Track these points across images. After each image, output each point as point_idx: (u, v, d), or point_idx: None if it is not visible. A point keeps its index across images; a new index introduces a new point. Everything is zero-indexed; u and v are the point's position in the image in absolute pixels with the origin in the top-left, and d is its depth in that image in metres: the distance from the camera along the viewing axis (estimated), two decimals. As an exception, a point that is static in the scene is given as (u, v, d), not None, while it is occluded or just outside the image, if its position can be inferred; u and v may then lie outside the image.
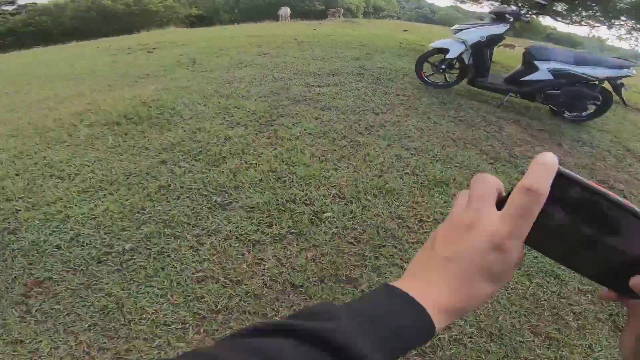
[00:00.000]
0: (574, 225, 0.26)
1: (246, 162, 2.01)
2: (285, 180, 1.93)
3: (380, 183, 2.04)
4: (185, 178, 1.85)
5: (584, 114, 3.52)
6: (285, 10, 17.94)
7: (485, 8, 6.98)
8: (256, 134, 2.30)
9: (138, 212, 1.62)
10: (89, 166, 1.93)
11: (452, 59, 3.52)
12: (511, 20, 3.32)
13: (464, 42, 3.40)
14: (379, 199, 1.96)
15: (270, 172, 1.96)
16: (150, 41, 8.33)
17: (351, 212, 1.87)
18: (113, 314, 1.26)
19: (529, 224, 0.25)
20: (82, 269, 1.36)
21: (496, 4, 3.65)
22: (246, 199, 1.76)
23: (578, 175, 0.25)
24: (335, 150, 2.22)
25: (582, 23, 6.01)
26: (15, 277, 1.32)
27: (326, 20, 17.32)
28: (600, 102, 3.38)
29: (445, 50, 3.51)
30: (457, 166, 2.35)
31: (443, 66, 3.64)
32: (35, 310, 1.22)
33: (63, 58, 6.31)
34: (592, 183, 0.25)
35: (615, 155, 3.07)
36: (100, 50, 6.83)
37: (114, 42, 10.90)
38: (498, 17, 3.45)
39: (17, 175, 1.93)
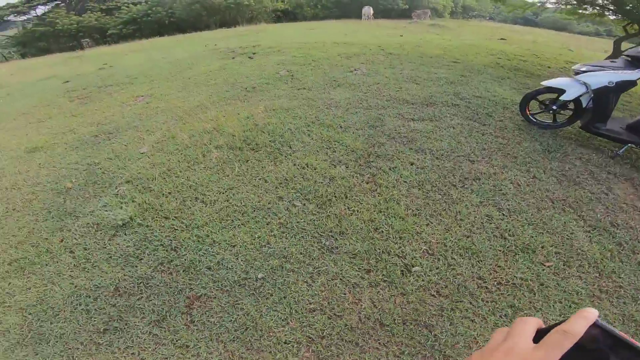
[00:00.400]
0: None
1: (349, 208, 2.27)
2: (382, 232, 2.14)
3: (468, 244, 2.12)
4: (299, 218, 2.18)
5: None
6: (369, 10, 17.78)
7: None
8: (356, 177, 2.54)
9: (265, 245, 2.00)
10: (224, 193, 2.40)
11: (568, 101, 3.25)
12: None
13: (585, 84, 3.10)
14: (464, 258, 2.06)
15: (370, 221, 2.19)
16: (248, 42, 9.15)
17: (437, 268, 2.01)
18: (250, 330, 1.64)
19: (557, 356, 0.29)
20: (227, 289, 1.77)
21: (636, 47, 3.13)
22: (349, 245, 2.02)
23: (612, 328, 0.30)
24: (428, 204, 2.35)
25: None
26: (180, 290, 1.79)
27: (411, 23, 16.69)
28: None
29: (559, 90, 3.26)
30: (549, 232, 2.30)
31: (555, 107, 3.40)
32: (197, 321, 1.66)
33: (180, 60, 7.30)
34: (622, 334, 0.30)
35: None
36: (210, 53, 7.73)
37: (218, 37, 12.21)
38: (635, 62, 3.04)
39: (169, 194, 2.48)
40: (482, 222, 2.29)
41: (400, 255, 2.04)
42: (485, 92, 4.37)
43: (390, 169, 2.63)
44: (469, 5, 32.50)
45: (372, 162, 2.71)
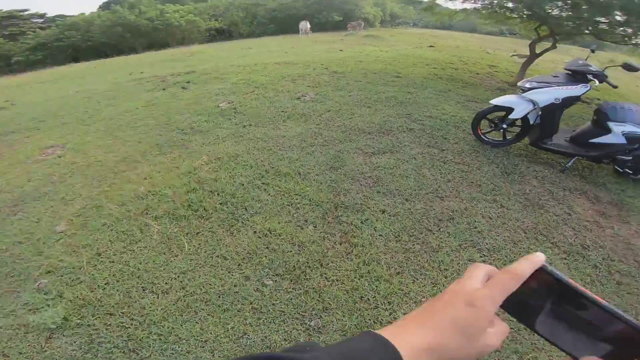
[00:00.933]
0: (552, 309, 0.33)
1: (327, 279, 1.96)
2: (369, 300, 1.88)
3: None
4: (275, 299, 1.82)
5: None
6: (306, 25, 17.88)
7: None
8: (328, 238, 2.24)
9: (241, 337, 1.63)
10: (177, 279, 1.94)
11: (516, 119, 3.30)
12: (596, 83, 3.05)
13: (532, 102, 3.17)
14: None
15: (353, 290, 1.91)
16: (181, 67, 8.44)
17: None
18: None
19: (502, 295, 0.31)
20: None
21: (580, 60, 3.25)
22: (337, 322, 1.72)
23: (558, 272, 0.33)
24: (410, 258, 2.14)
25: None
26: None
27: (347, 35, 17.12)
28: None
29: (508, 108, 3.31)
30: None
31: (504, 125, 3.47)
32: None
33: (100, 94, 6.43)
34: (568, 279, 0.32)
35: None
36: (136, 83, 6.94)
37: (145, 61, 11.14)
38: (577, 75, 3.15)
39: (107, 284, 1.95)
40: (466, 267, 2.14)
41: (392, 321, 1.79)
42: (434, 111, 4.40)
43: (362, 222, 2.38)
44: (396, 13, 34.60)
45: (341, 216, 2.43)
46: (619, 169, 3.37)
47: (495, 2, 5.84)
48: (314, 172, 2.91)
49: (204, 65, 8.51)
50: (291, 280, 1.97)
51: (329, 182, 2.79)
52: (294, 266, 2.04)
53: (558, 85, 3.07)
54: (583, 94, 3.06)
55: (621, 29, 5.32)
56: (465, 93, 5.45)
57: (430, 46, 11.74)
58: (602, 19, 5.13)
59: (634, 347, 0.31)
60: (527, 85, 3.20)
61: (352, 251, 2.16)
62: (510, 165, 3.28)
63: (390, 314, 1.85)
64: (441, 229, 2.40)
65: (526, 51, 6.84)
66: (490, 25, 8.65)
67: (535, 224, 2.59)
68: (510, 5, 5.64)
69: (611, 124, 3.07)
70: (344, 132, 3.67)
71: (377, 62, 7.43)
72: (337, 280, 1.98)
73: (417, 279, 2.04)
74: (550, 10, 5.21)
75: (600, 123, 3.15)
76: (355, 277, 1.99)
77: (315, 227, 2.32)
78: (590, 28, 5.52)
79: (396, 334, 0.30)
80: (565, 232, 2.57)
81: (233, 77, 6.37)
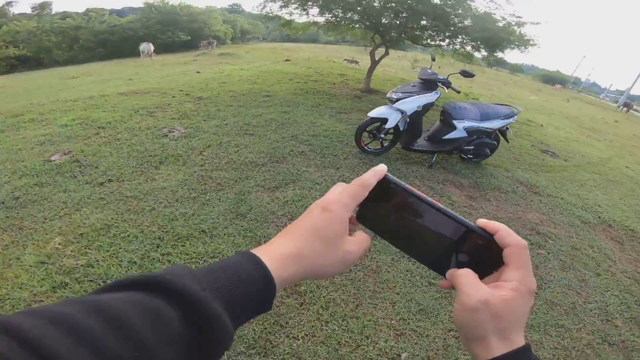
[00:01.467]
0: (400, 216, 0.36)
1: (296, 338, 1.70)
2: (347, 341, 1.77)
3: (411, 325, 1.98)
4: None
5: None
6: (149, 46, 15.79)
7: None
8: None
9: None
10: None
11: (390, 128, 3.68)
12: (445, 89, 3.65)
13: (401, 111, 3.58)
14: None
15: (329, 338, 1.76)
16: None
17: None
18: None
19: (352, 200, 0.35)
20: None
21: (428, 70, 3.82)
22: None
23: (399, 181, 0.36)
24: (360, 287, 2.07)
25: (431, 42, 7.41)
26: None
27: (200, 54, 16.10)
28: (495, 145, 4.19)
29: (383, 119, 3.65)
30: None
31: (382, 135, 3.82)
32: None
33: None
34: (408, 186, 0.36)
35: (516, 191, 3.87)
36: None
37: None
38: (428, 83, 3.67)
39: None
40: (404, 277, 2.19)
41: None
42: (315, 128, 4.51)
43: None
44: (246, 30, 34.98)
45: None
46: (463, 156, 4.22)
47: (341, 15, 6.49)
48: (220, 225, 2.46)
49: (10, 103, 6.36)
50: (260, 354, 1.59)
51: (243, 232, 2.41)
52: (254, 338, 1.65)
53: (418, 94, 3.59)
54: (436, 99, 3.68)
55: (428, 32, 6.75)
56: (332, 105, 5.85)
57: (287, 60, 12.25)
58: (415, 25, 6.37)
59: (488, 257, 0.34)
60: (394, 96, 3.62)
61: (304, 300, 1.93)
62: (393, 170, 3.64)
63: (374, 346, 1.74)
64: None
65: (357, 56, 7.93)
66: (331, 36, 9.62)
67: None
68: (356, 17, 6.36)
69: (455, 122, 3.80)
70: (236, 170, 3.30)
71: (242, 82, 7.19)
72: (307, 335, 1.73)
73: (377, 304, 2.00)
74: (383, 20, 6.12)
75: (447, 122, 3.86)
76: (322, 325, 1.79)
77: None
78: (404, 34, 6.81)
79: (264, 249, 0.32)
80: (454, 221, 3.00)
81: (61, 116, 4.92)
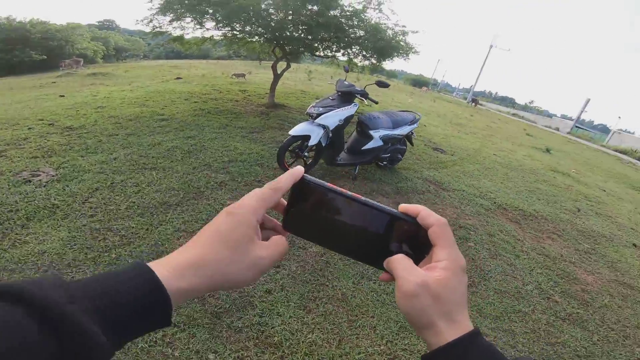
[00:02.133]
0: (325, 216, 0.36)
1: None
2: None
3: (399, 346, 1.86)
4: None
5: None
6: None
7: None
8: (250, 358, 1.49)
9: None
10: None
11: (313, 145, 3.55)
12: (364, 101, 3.68)
13: (324, 127, 3.48)
14: None
15: None
16: None
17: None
18: None
19: (261, 204, 0.34)
20: None
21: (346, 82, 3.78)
22: None
23: (317, 180, 0.36)
24: (331, 320, 1.80)
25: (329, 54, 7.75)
26: None
27: (62, 75, 13.21)
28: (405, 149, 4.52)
29: (305, 137, 3.50)
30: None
31: (305, 153, 3.66)
32: None
33: None
34: (328, 184, 0.36)
35: (430, 190, 4.25)
36: None
37: None
38: (346, 96, 3.64)
39: None
40: (366, 297, 2.06)
41: None
42: (230, 153, 4.08)
43: (260, 317, 1.79)
44: (122, 46, 30.59)
45: (233, 324, 1.72)
46: (380, 164, 4.42)
47: (240, 28, 6.14)
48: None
49: None
50: None
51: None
52: None
53: (338, 108, 3.55)
54: (355, 111, 3.72)
55: (326, 43, 6.98)
56: (241, 125, 5.47)
57: (178, 78, 11.11)
58: (317, 37, 6.49)
59: (417, 241, 0.34)
60: (315, 111, 3.50)
61: (283, 352, 1.70)
62: None
63: None
64: (326, 273, 2.21)
65: (254, 70, 7.71)
66: (224, 51, 9.15)
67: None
68: (260, 30, 6.09)
69: (371, 132, 3.92)
70: (143, 215, 2.66)
71: (126, 106, 6.11)
72: None
73: (359, 334, 1.90)
74: (285, 33, 6.03)
75: (364, 133, 3.96)
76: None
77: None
78: (304, 47, 6.92)
79: (161, 260, 0.29)
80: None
81: None
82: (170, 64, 20.32)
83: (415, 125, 4.34)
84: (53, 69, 18.11)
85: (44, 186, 3.03)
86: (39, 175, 3.27)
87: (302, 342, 1.78)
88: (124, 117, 5.28)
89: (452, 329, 0.30)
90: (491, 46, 33.85)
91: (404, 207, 0.35)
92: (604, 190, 6.98)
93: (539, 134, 18.36)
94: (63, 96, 7.30)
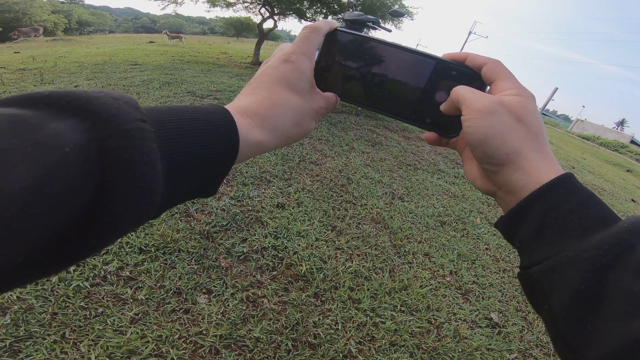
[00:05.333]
0: (360, 69, 0.30)
1: None
2: None
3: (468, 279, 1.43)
4: None
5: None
6: None
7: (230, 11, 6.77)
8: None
9: None
10: None
11: None
12: (376, 28, 3.18)
13: None
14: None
15: None
16: None
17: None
18: None
19: (309, 47, 0.28)
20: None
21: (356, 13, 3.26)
22: None
23: (351, 30, 0.31)
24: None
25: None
26: None
27: (19, 41, 11.61)
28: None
29: None
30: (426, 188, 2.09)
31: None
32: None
33: None
34: (364, 34, 0.31)
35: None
36: None
37: None
38: (356, 24, 3.16)
39: None
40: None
41: None
42: (218, 85, 3.48)
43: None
44: (86, 20, 27.90)
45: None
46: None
47: None
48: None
49: None
50: None
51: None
52: None
53: None
54: None
55: (315, 7, 6.39)
56: (227, 71, 4.82)
57: (151, 42, 10.07)
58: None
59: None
60: None
61: (315, 288, 1.14)
62: (336, 121, 3.05)
63: (447, 313, 1.04)
64: (350, 189, 1.73)
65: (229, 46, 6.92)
66: (193, 27, 8.33)
67: (395, 157, 2.48)
68: None
69: None
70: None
71: (92, 56, 5.24)
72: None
73: (412, 264, 1.45)
74: None
75: None
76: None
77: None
78: (291, 9, 6.34)
79: (230, 105, 0.25)
80: (409, 157, 2.63)
81: None
82: (141, 36, 18.77)
83: None
84: (6, 40, 16.18)
85: None
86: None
87: (341, 272, 1.30)
88: (89, 63, 4.48)
89: (545, 164, 0.23)
90: (470, 32, 33.88)
91: (448, 54, 0.29)
92: (584, 159, 7.04)
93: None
94: (18, 52, 6.24)
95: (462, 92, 0.25)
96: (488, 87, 0.27)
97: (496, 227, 0.25)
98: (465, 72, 0.28)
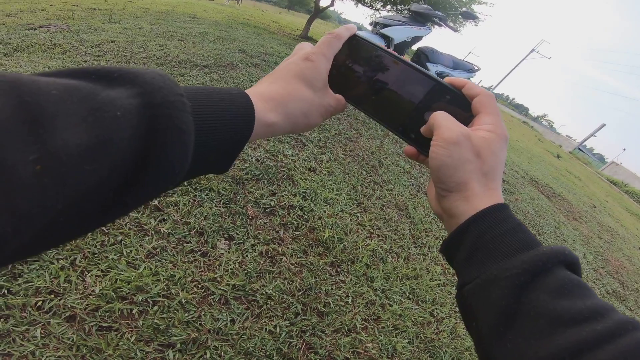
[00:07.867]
0: (368, 76, 0.31)
1: None
2: None
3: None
4: None
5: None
6: None
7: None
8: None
9: None
10: None
11: None
12: (442, 25, 2.98)
13: (389, 38, 2.82)
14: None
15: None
16: None
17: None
18: None
19: (329, 50, 0.30)
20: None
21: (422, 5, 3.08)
22: None
23: (368, 38, 0.32)
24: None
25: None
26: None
27: None
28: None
29: None
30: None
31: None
32: None
33: None
34: (378, 43, 0.31)
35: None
36: None
37: None
38: (421, 17, 2.98)
39: None
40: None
41: None
42: (265, 48, 3.40)
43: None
44: None
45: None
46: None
47: None
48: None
49: None
50: None
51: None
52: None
53: (409, 25, 2.89)
54: (425, 35, 3.04)
55: None
56: (276, 38, 4.70)
57: (209, -1, 9.99)
58: None
59: (455, 115, 0.28)
60: (382, 21, 2.86)
61: (333, 256, 1.07)
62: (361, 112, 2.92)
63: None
64: (380, 172, 1.64)
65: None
66: None
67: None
68: None
69: (429, 64, 3.26)
70: (161, 66, 2.06)
71: (157, 5, 5.26)
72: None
73: (426, 256, 1.38)
74: None
75: (421, 63, 3.29)
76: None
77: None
78: None
79: (250, 90, 0.27)
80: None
81: None
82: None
83: (472, 75, 3.66)
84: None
85: (50, 33, 2.39)
86: (48, 27, 2.61)
87: (360, 247, 1.25)
88: (154, 10, 4.49)
89: (485, 195, 0.24)
90: (532, 50, 30.73)
91: (450, 79, 0.30)
92: (607, 202, 6.45)
93: (546, 143, 17.55)
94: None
95: (438, 119, 0.26)
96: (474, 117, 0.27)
97: (440, 252, 0.25)
98: (458, 98, 0.28)
